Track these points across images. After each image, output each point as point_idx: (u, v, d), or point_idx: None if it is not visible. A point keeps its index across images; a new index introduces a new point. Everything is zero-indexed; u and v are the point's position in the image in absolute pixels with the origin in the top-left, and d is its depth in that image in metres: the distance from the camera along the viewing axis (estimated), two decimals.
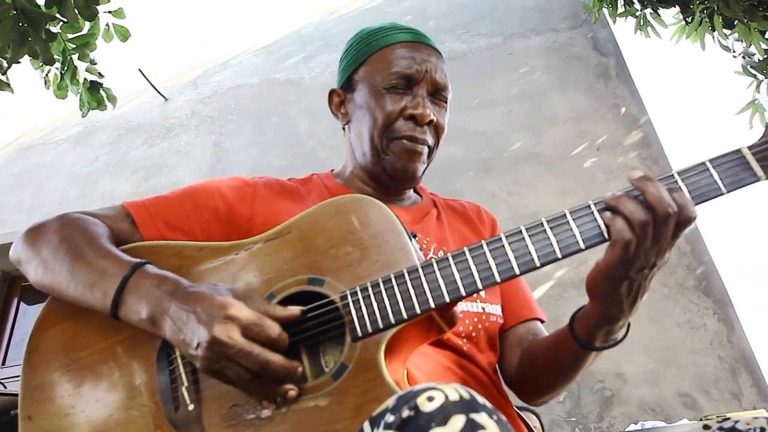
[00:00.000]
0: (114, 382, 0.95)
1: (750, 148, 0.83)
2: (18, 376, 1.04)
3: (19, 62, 2.34)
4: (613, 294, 0.88)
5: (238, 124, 5.19)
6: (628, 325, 0.97)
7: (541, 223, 0.86)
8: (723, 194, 0.83)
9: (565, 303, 3.64)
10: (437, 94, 1.20)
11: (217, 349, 0.80)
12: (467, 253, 0.86)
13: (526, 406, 1.24)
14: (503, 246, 0.85)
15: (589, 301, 0.94)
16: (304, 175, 1.35)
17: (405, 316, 0.85)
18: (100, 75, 3.01)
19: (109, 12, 2.83)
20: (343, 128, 1.32)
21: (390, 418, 0.61)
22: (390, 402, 0.64)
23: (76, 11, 2.28)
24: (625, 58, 4.63)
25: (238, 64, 5.62)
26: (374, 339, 0.85)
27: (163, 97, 5.58)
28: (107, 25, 2.87)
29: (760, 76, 3.61)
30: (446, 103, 1.23)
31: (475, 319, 1.09)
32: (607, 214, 0.84)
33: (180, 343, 0.84)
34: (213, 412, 0.89)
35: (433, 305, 0.84)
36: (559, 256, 0.84)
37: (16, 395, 1.01)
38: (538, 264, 0.83)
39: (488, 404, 0.62)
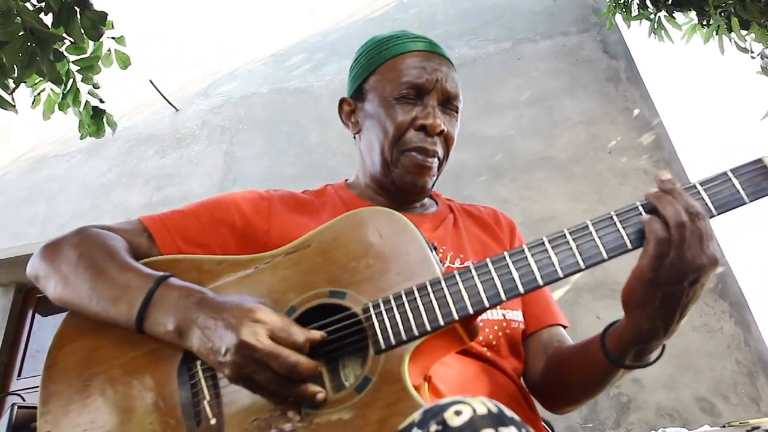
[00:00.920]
0: (134, 396, 0.95)
1: None
2: (34, 387, 1.04)
3: (25, 82, 2.36)
4: (647, 307, 0.85)
5: (248, 134, 5.21)
6: (663, 348, 0.94)
7: (564, 234, 0.85)
8: (745, 204, 0.83)
9: (580, 308, 3.62)
10: (448, 103, 1.20)
11: (246, 353, 0.80)
12: (490, 264, 0.86)
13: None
14: (526, 257, 0.85)
15: (624, 316, 0.91)
16: (315, 183, 1.35)
17: (428, 328, 0.84)
18: (101, 101, 3.03)
19: (112, 38, 2.83)
20: (354, 137, 1.32)
21: None
22: (416, 416, 0.64)
23: (83, 31, 2.29)
24: (636, 61, 4.60)
25: (247, 74, 5.64)
26: (397, 352, 0.85)
27: (174, 107, 5.61)
28: (108, 50, 2.89)
29: None
30: (457, 112, 1.22)
31: (496, 327, 1.08)
32: (644, 216, 0.83)
33: (208, 352, 0.84)
34: (235, 426, 0.88)
35: (456, 317, 0.84)
36: (583, 267, 0.83)
37: (35, 408, 1.01)
38: (561, 275, 0.83)
39: (516, 417, 0.61)
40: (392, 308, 0.87)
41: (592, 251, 0.83)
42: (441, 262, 1.11)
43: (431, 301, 0.85)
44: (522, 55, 4.91)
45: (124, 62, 2.89)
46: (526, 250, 0.86)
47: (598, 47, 4.75)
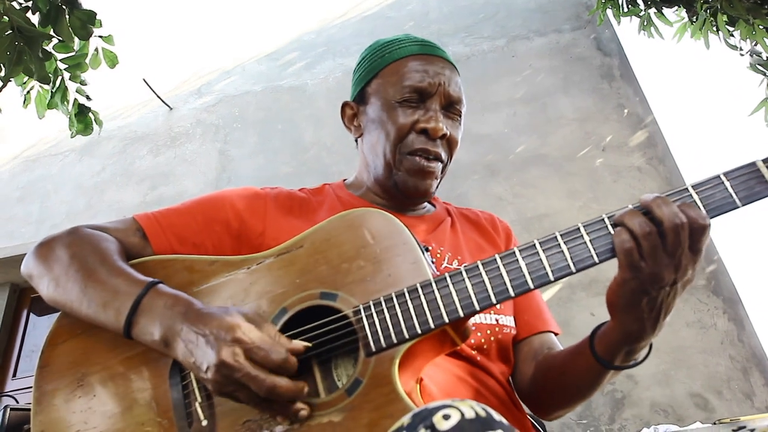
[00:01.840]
0: (126, 397, 0.95)
1: (765, 161, 0.83)
2: (28, 387, 1.04)
3: (11, 80, 2.35)
4: (633, 309, 0.86)
5: (243, 132, 5.20)
6: (650, 346, 0.95)
7: (555, 237, 0.85)
8: (738, 207, 0.82)
9: (574, 305, 3.63)
10: (450, 107, 1.19)
11: (226, 372, 0.80)
12: (481, 267, 0.86)
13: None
14: (517, 260, 0.85)
15: (611, 318, 0.92)
16: (310, 181, 1.34)
17: (419, 330, 0.84)
18: (88, 98, 3.02)
19: (100, 36, 2.82)
20: (356, 140, 1.32)
21: None
22: (405, 420, 0.64)
23: (71, 30, 2.29)
24: (629, 58, 4.62)
25: (241, 72, 5.63)
26: (388, 354, 0.85)
27: (168, 106, 5.59)
28: (96, 50, 2.88)
29: None
30: (460, 116, 1.22)
31: (488, 331, 1.09)
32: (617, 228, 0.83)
33: (191, 365, 0.84)
34: (227, 427, 0.89)
35: (447, 319, 0.84)
36: (573, 270, 0.83)
37: (29, 410, 1.01)
38: (552, 278, 0.83)
39: (504, 421, 0.61)
40: (383, 310, 0.87)
41: (583, 254, 0.83)
42: (439, 262, 1.12)
43: (422, 304, 0.85)
44: (516, 52, 4.91)
45: (112, 61, 2.88)
46: (517, 253, 0.85)
47: (591, 44, 4.76)
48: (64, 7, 2.23)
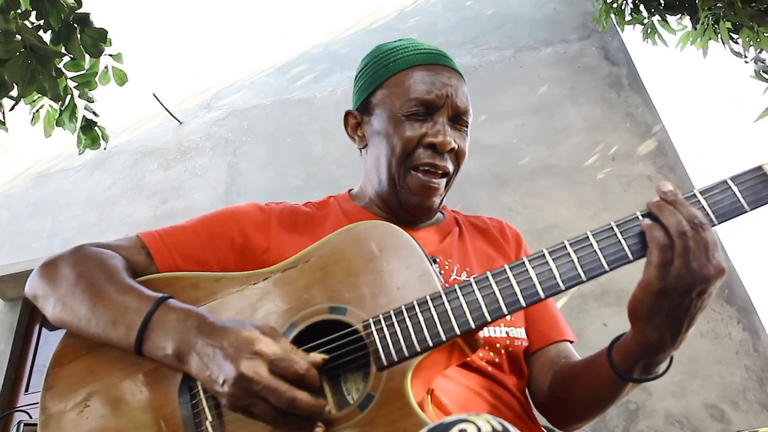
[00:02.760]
0: (134, 417, 0.93)
1: None
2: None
3: (22, 98, 2.37)
4: (654, 316, 0.83)
5: (252, 146, 5.23)
6: (671, 359, 0.92)
7: (564, 246, 0.84)
8: (746, 212, 0.82)
9: (586, 315, 3.60)
10: (458, 119, 1.16)
11: (245, 385, 0.79)
12: (491, 278, 0.85)
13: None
14: (527, 270, 0.84)
15: (630, 329, 0.90)
16: (320, 194, 1.33)
17: (430, 343, 0.84)
18: (95, 114, 3.05)
19: (110, 55, 2.85)
20: (360, 151, 1.30)
21: None
22: None
23: (82, 48, 2.31)
24: (637, 67, 4.60)
25: (250, 85, 5.67)
26: (400, 368, 0.84)
27: (177, 120, 5.64)
28: (105, 67, 2.91)
29: None
30: (467, 127, 1.19)
31: (498, 345, 1.07)
32: (646, 221, 0.82)
33: (206, 379, 0.83)
34: None
35: (458, 332, 0.83)
36: (584, 278, 0.82)
37: None
38: (563, 287, 0.82)
39: None
40: (393, 324, 0.86)
41: (594, 263, 0.83)
42: (447, 274, 1.10)
43: (432, 317, 0.85)
44: (523, 62, 4.92)
45: (122, 79, 2.91)
46: (527, 263, 0.85)
47: (599, 54, 4.76)
48: (75, 25, 2.26)
